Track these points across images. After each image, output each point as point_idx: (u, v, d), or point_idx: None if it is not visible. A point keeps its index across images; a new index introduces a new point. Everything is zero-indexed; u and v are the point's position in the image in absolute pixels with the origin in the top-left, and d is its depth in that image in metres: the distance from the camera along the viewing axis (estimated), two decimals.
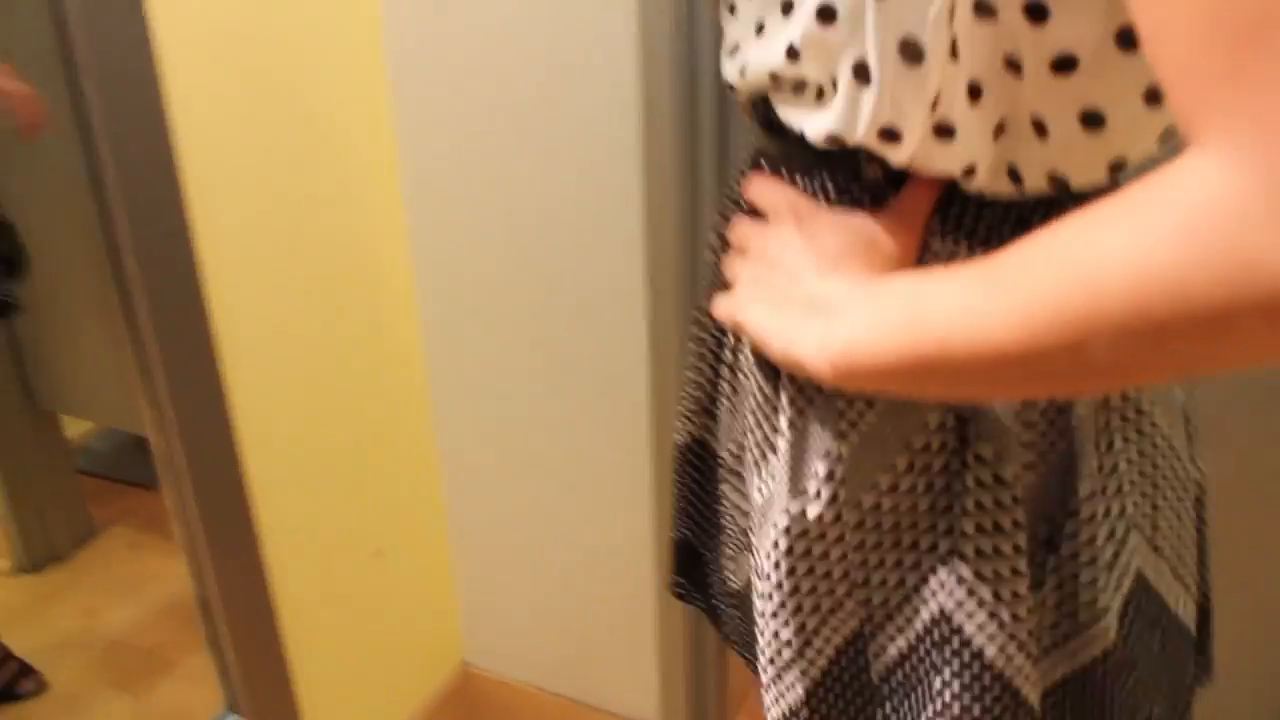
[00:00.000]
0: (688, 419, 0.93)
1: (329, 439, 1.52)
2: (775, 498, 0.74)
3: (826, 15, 0.60)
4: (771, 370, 0.75)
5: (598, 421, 1.45)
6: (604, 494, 1.51)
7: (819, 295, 0.64)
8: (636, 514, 1.50)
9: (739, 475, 0.87)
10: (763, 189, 0.73)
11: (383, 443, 1.60)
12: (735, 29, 0.72)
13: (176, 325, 1.30)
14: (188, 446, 1.31)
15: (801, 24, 0.62)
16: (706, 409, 0.91)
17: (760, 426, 0.78)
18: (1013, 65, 0.58)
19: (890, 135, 0.62)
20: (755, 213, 0.74)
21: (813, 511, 0.71)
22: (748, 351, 0.79)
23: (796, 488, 0.72)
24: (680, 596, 1.03)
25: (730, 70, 0.74)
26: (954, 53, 0.57)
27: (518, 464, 1.58)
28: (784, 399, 0.72)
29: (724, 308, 0.73)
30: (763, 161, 0.76)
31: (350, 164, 1.41)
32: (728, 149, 1.20)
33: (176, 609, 2.09)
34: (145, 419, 1.37)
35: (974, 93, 0.59)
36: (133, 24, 1.15)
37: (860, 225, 0.66)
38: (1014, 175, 0.63)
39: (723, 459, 0.90)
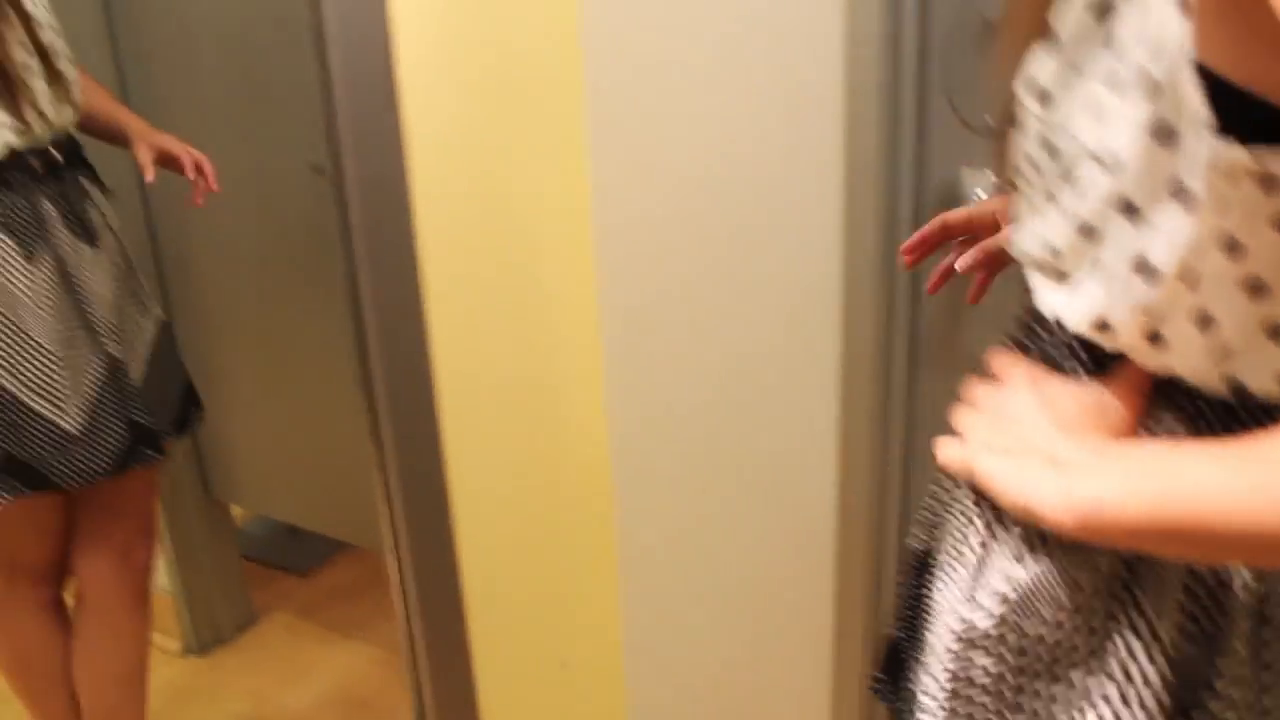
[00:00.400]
0: (921, 526, 0.99)
1: (530, 560, 1.64)
2: (954, 603, 0.81)
3: (1087, 231, 0.67)
4: (975, 491, 0.81)
5: (780, 541, 1.52)
6: (781, 614, 1.59)
7: (1059, 452, 0.69)
8: (815, 634, 1.57)
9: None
10: (1001, 358, 0.80)
11: (573, 560, 1.72)
12: (1016, 202, 0.79)
13: (416, 456, 1.44)
14: (416, 566, 1.43)
15: (1064, 231, 0.69)
16: (934, 521, 0.97)
17: (956, 533, 0.84)
18: (1254, 288, 0.63)
19: (1104, 327, 0.69)
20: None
21: (982, 625, 0.77)
22: None
23: (973, 599, 0.78)
24: (876, 693, 1.08)
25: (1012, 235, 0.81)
26: (1190, 279, 0.63)
27: (695, 582, 1.65)
28: (979, 521, 0.79)
29: (955, 454, 0.77)
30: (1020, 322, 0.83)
31: (553, 303, 1.54)
32: (920, 300, 1.29)
33: (341, 696, 2.22)
34: (382, 538, 1.50)
35: (1203, 321, 0.65)
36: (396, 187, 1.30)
37: (1091, 393, 0.73)
38: (1235, 385, 0.68)
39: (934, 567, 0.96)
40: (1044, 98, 0.69)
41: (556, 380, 1.59)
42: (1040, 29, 0.69)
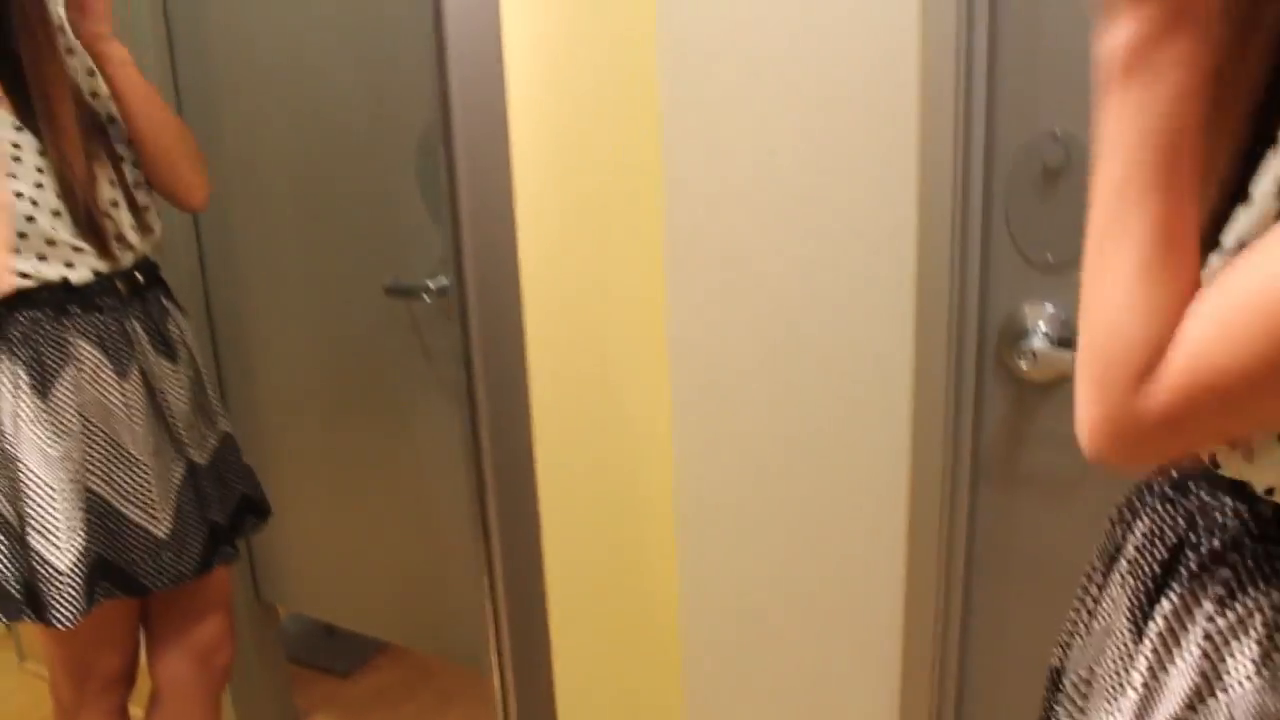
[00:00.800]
0: (1060, 647, 1.01)
1: (612, 665, 1.71)
2: None
3: None
4: (1136, 627, 0.83)
5: (846, 655, 1.57)
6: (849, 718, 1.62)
7: None
8: None
9: (1083, 698, 0.97)
10: None
11: (648, 663, 1.77)
12: None
13: (521, 571, 1.51)
14: (517, 682, 1.48)
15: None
16: (1067, 641, 1.00)
17: (1116, 664, 0.86)
18: None
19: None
20: None
21: None
22: (1113, 591, 0.89)
23: None
24: None
25: None
26: None
27: (761, 682, 1.69)
28: (1141, 661, 0.81)
29: None
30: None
31: (630, 426, 1.62)
32: (983, 404, 1.37)
33: None
34: (489, 656, 1.56)
35: None
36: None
37: None
38: None
39: (1064, 685, 0.99)
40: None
41: (636, 497, 1.66)
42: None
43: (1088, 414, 0.67)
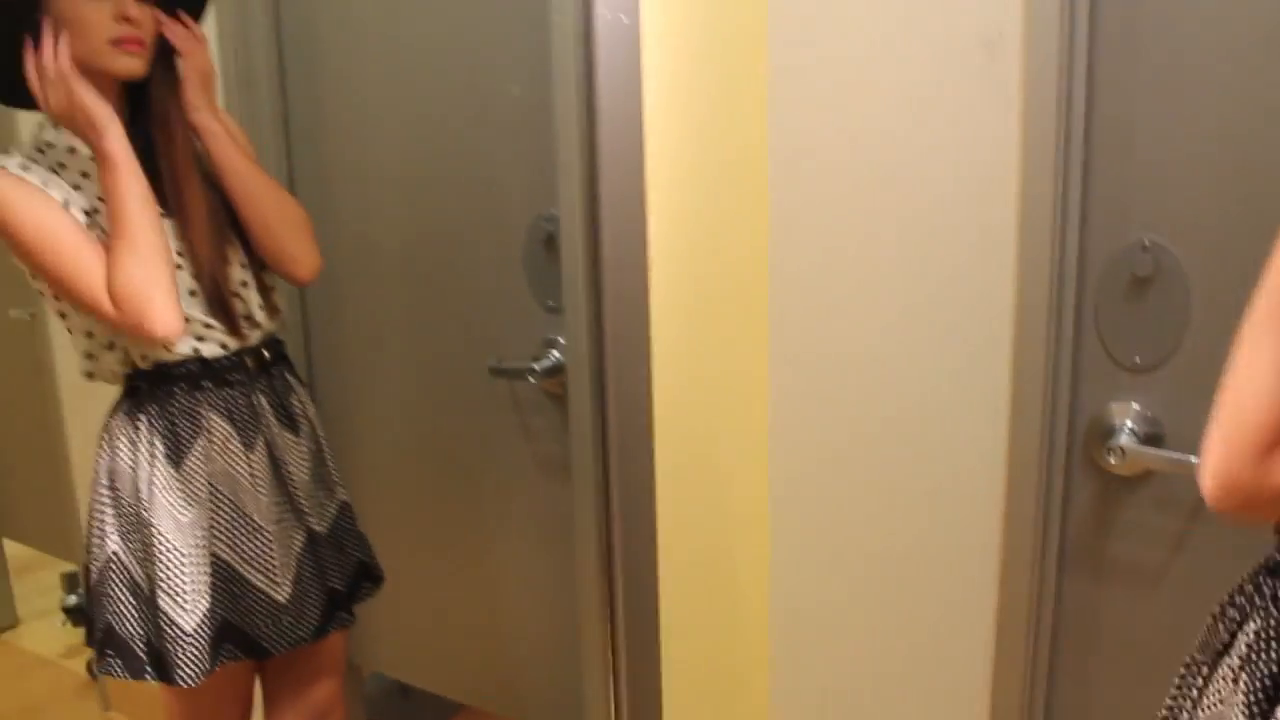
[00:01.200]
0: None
1: None
2: None
3: None
4: None
5: None
6: None
7: None
8: None
9: None
10: None
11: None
12: None
13: (640, 638, 1.59)
14: None
15: None
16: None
17: None
18: None
19: None
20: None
21: None
22: (1220, 686, 0.93)
23: None
24: None
25: None
26: None
27: None
28: None
29: None
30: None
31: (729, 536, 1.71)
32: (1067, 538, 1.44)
33: None
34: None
35: None
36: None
37: None
38: None
39: None
40: None
41: (735, 590, 1.74)
42: None
43: (1212, 464, 0.81)
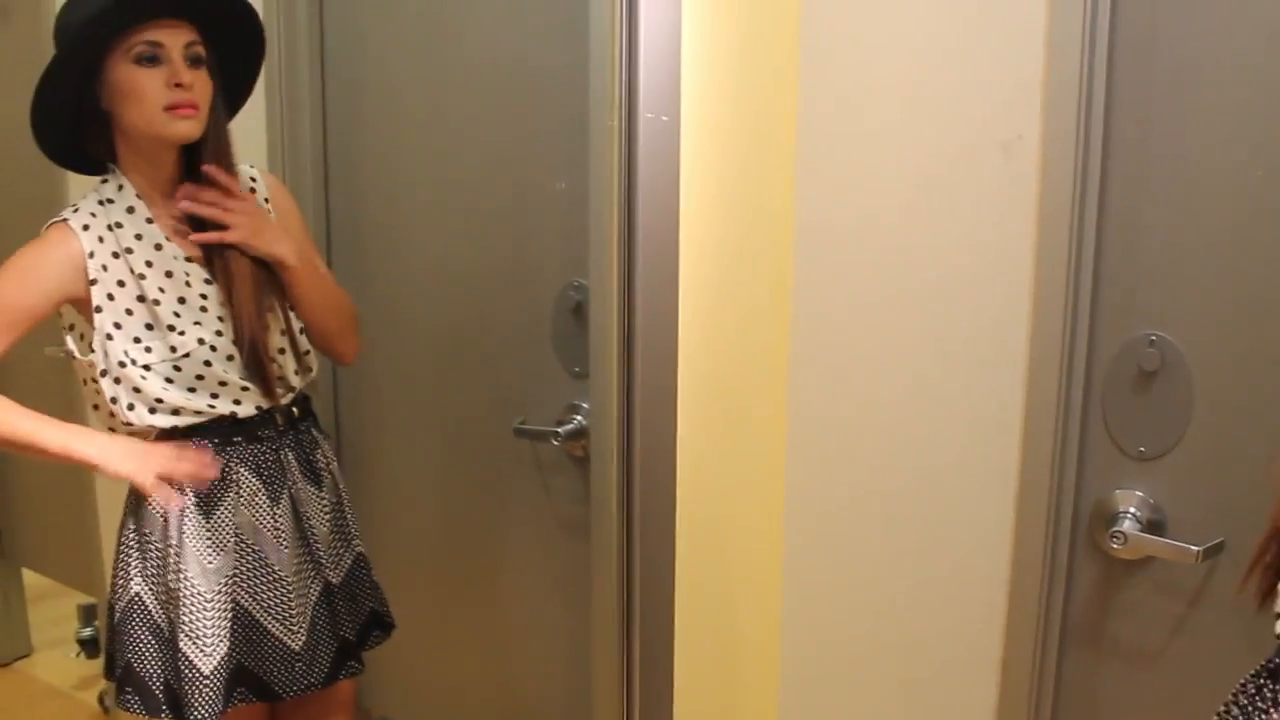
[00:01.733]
0: None
1: None
2: None
3: None
4: None
5: None
6: None
7: None
8: None
9: None
10: None
11: None
12: None
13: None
14: None
15: None
16: None
17: None
18: None
19: None
20: None
21: None
22: None
23: None
24: None
25: None
26: None
27: None
28: None
29: None
30: None
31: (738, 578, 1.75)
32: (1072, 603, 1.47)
33: None
34: None
35: None
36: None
37: None
38: None
39: None
40: None
41: (743, 646, 1.77)
42: None
43: None
